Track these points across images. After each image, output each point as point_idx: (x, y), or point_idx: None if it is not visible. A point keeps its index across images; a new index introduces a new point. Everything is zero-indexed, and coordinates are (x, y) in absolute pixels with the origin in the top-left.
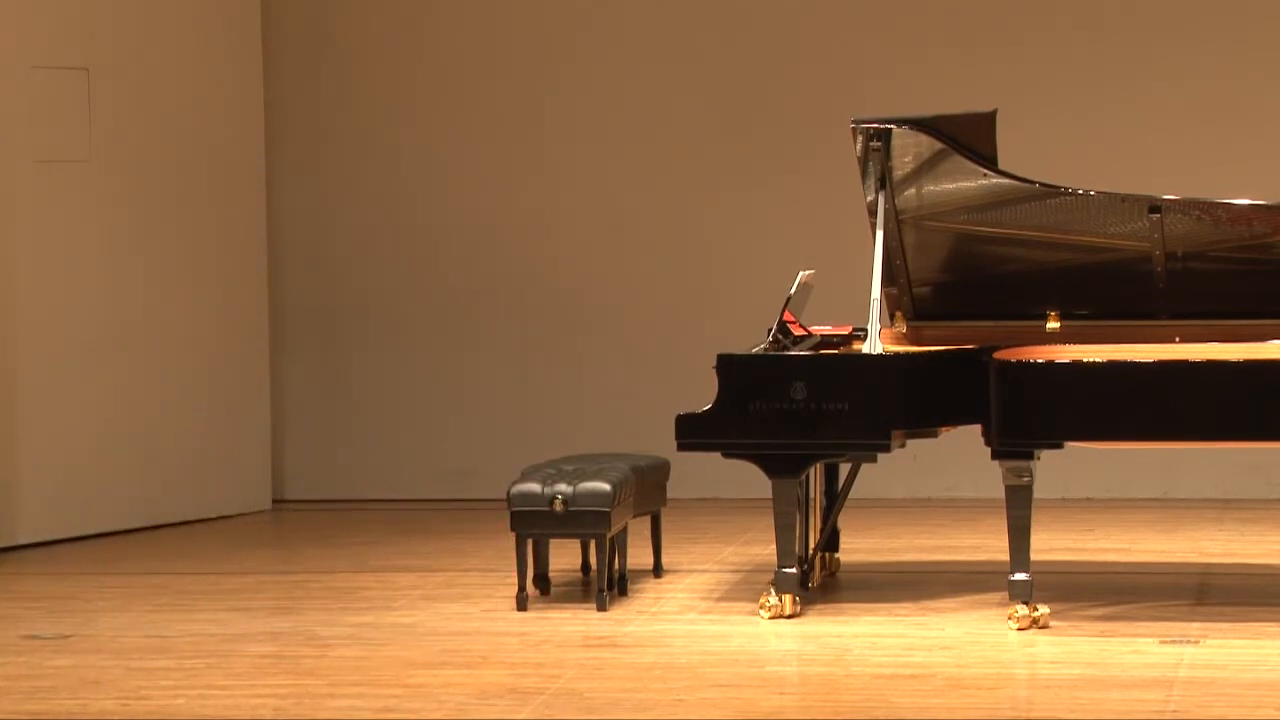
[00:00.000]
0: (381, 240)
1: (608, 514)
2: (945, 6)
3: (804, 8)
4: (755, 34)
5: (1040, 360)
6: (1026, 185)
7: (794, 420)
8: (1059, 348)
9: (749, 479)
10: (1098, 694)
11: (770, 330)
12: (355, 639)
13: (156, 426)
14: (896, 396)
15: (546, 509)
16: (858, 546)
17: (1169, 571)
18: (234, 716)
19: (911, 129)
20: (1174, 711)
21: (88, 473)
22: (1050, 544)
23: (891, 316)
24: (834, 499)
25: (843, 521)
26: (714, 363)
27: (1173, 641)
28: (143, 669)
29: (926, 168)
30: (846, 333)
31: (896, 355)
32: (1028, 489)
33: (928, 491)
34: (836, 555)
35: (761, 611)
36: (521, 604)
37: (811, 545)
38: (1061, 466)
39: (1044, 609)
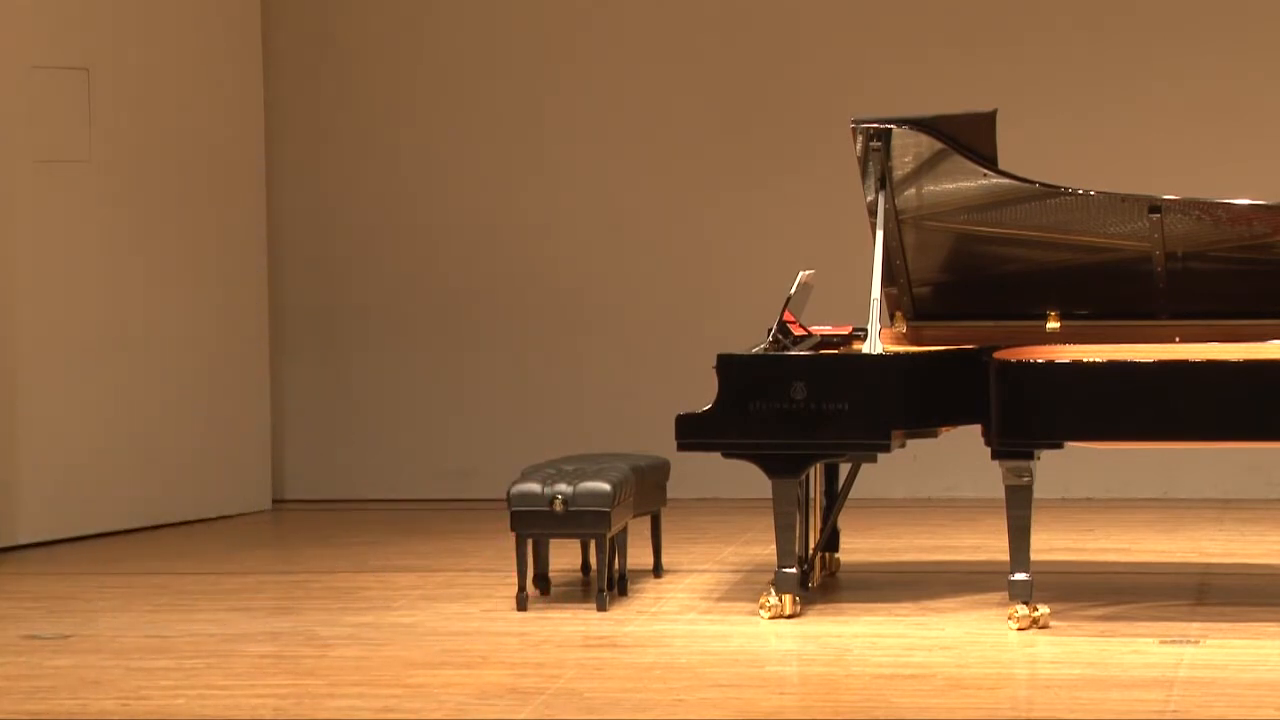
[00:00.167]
0: (381, 240)
1: (608, 514)
2: (945, 6)
3: (804, 8)
4: (755, 34)
5: (1040, 360)
6: (1026, 185)
7: (794, 420)
8: (1059, 348)
9: (749, 479)
10: (1098, 694)
11: (770, 330)
12: (355, 639)
13: (156, 426)
14: (896, 396)
15: (546, 509)
16: (858, 546)
17: (1169, 571)
18: (234, 716)
19: (911, 129)
20: (1174, 711)
21: (88, 473)
22: (1050, 544)
23: (891, 316)
24: (834, 499)
25: (843, 521)
26: (714, 363)
27: (1173, 641)
28: (143, 669)
29: (926, 168)
30: (846, 333)
31: (896, 355)
32: (1028, 489)
33: (928, 491)
34: (836, 555)
35: (761, 611)
36: (521, 604)
37: (811, 545)
38: (1061, 466)
39: (1044, 609)
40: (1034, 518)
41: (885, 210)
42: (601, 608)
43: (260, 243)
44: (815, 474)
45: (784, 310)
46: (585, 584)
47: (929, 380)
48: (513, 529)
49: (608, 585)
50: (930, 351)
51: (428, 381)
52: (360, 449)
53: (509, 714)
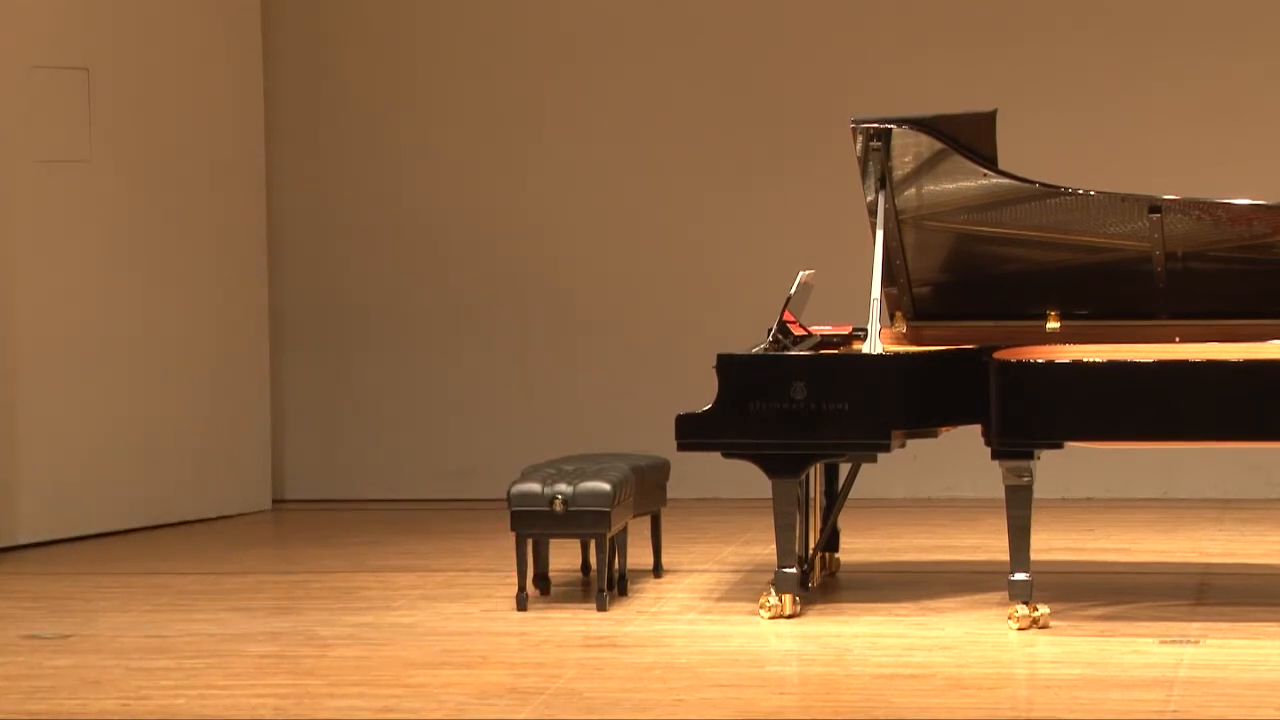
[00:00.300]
0: (381, 240)
1: (608, 514)
2: (945, 6)
3: (804, 8)
4: (755, 34)
5: (1040, 360)
6: (1026, 185)
7: (794, 420)
8: (1059, 348)
9: (749, 479)
10: (1098, 694)
11: (770, 330)
12: (355, 639)
13: (156, 426)
14: (896, 396)
15: (546, 509)
16: (858, 546)
17: (1169, 571)
18: (234, 716)
19: (911, 129)
20: (1174, 711)
21: (88, 473)
22: (1050, 544)
23: (891, 316)
24: (834, 499)
25: (843, 521)
26: (714, 363)
27: (1173, 641)
28: (143, 669)
29: (926, 168)
30: (846, 333)
31: (896, 355)
32: (1028, 489)
33: (928, 491)
34: (836, 555)
35: (761, 611)
36: (521, 604)
37: (811, 545)
38: (1061, 466)
39: (1044, 609)
40: (1034, 518)
41: (885, 210)
42: (601, 608)
43: (260, 243)
44: (815, 474)
45: (784, 310)
46: (585, 584)
47: (929, 380)
48: (513, 529)
49: (608, 585)
50: (930, 351)
51: (428, 381)
52: (360, 449)
53: (509, 714)
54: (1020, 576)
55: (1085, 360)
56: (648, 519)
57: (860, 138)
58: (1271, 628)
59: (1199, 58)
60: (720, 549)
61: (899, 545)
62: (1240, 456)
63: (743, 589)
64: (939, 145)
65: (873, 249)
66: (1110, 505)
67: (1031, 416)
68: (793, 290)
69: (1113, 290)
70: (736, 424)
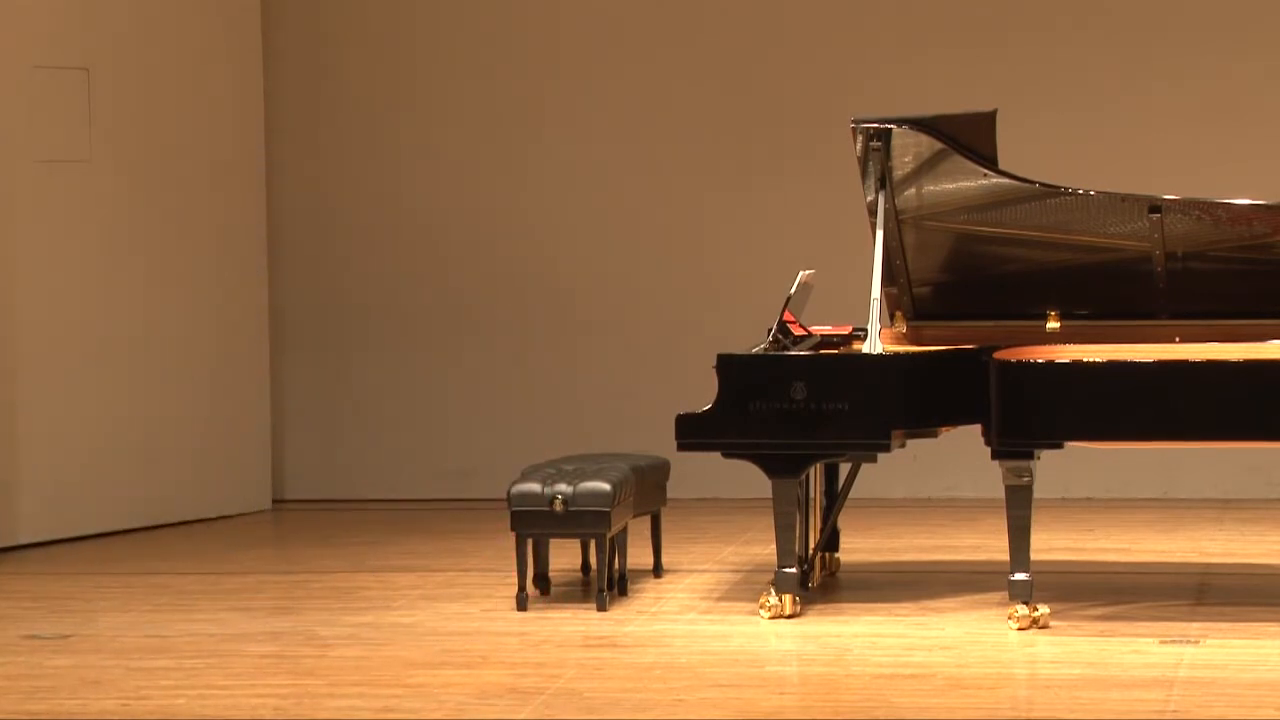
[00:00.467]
0: (381, 240)
1: (608, 514)
2: (945, 6)
3: (804, 8)
4: (755, 34)
5: (1040, 360)
6: (1026, 185)
7: (794, 420)
8: (1059, 348)
9: (749, 479)
10: (1098, 694)
11: (770, 330)
12: (355, 639)
13: (156, 426)
14: (896, 396)
15: (546, 509)
16: (858, 546)
17: (1169, 571)
18: (234, 716)
19: (911, 129)
20: (1174, 711)
21: (88, 473)
22: (1050, 544)
23: (891, 316)
24: (834, 499)
25: (843, 521)
26: (714, 363)
27: (1173, 641)
28: (143, 669)
29: (926, 168)
30: (846, 333)
31: (896, 355)
32: (1028, 489)
33: (928, 491)
34: (836, 555)
35: (761, 611)
36: (521, 604)
37: (811, 545)
38: (1061, 466)
39: (1044, 609)
40: (1034, 518)
41: (885, 210)
42: (601, 608)
43: (260, 243)
44: (815, 474)
45: (784, 310)
46: (585, 584)
47: (929, 380)
48: (513, 529)
49: (608, 585)
50: (930, 351)
51: (428, 381)
52: (360, 449)
53: (509, 714)
54: (1020, 576)
55: (1085, 360)
56: (648, 519)
57: (860, 138)
58: (1271, 628)
59: (1199, 58)
60: (720, 549)
61: (899, 545)
62: (1240, 456)
63: (743, 589)
64: (939, 145)
65: (873, 249)
66: (1110, 505)
67: (1031, 416)
68: (793, 290)
69: (1113, 290)
70: (736, 424)
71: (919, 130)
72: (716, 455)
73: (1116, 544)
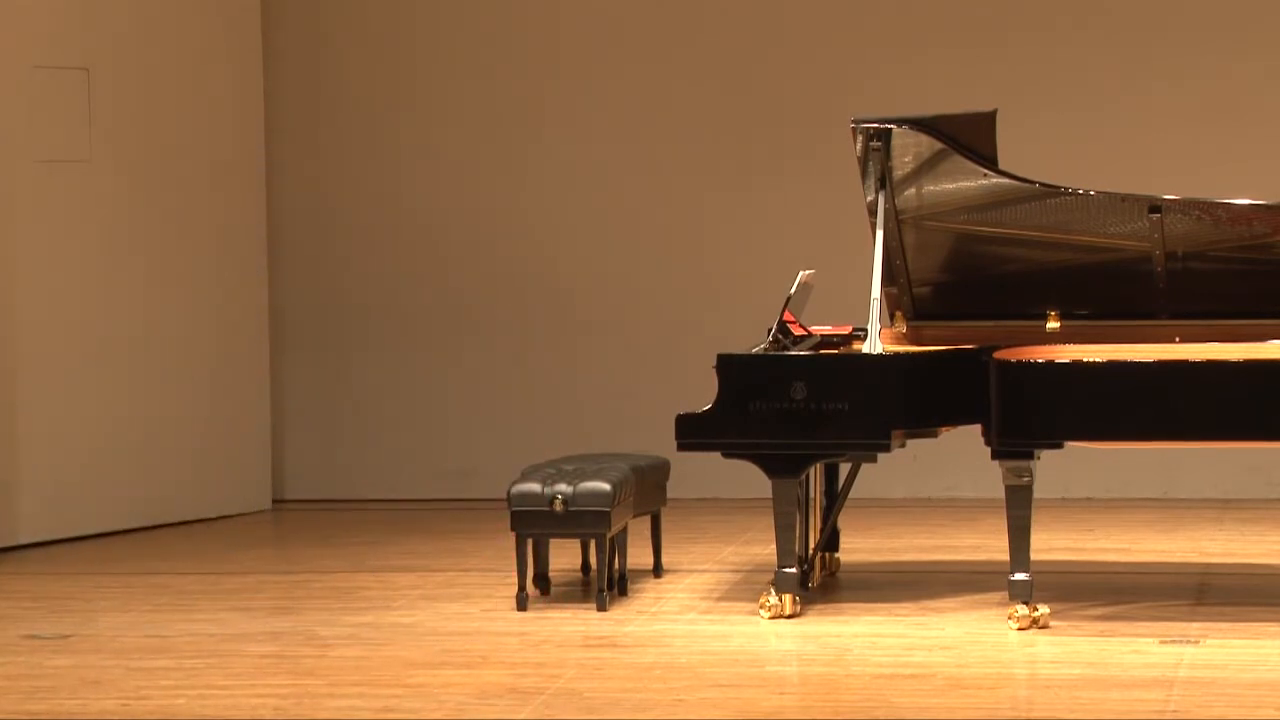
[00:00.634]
0: (381, 240)
1: (608, 514)
2: (945, 6)
3: (804, 8)
4: (755, 34)
5: (1040, 360)
6: (1026, 185)
7: (794, 420)
8: (1059, 348)
9: (749, 479)
10: (1098, 694)
11: (770, 330)
12: (355, 639)
13: (156, 426)
14: (896, 396)
15: (546, 509)
16: (858, 546)
17: (1169, 571)
18: (234, 716)
19: (911, 129)
20: (1174, 711)
21: (88, 473)
22: (1050, 544)
23: (891, 316)
24: (834, 499)
25: (843, 521)
26: (714, 363)
27: (1173, 641)
28: (143, 669)
29: (926, 168)
30: (846, 333)
31: (896, 355)
32: (1028, 489)
33: (928, 491)
34: (836, 555)
35: (761, 611)
36: (521, 604)
37: (811, 545)
38: (1061, 466)
39: (1044, 609)
40: (1034, 518)
41: (885, 210)
42: (601, 608)
43: (260, 243)
44: (815, 474)
45: (784, 310)
46: (585, 584)
47: (929, 380)
48: (513, 529)
49: (608, 585)
50: (930, 351)
51: (428, 381)
52: (360, 449)
53: (509, 714)
54: (1020, 576)
55: (1085, 360)
56: (648, 519)
57: (860, 138)
58: (1271, 628)
59: (1199, 58)
60: (720, 549)
61: (899, 545)
62: (1240, 456)
63: (743, 589)
64: (939, 145)
65: (873, 249)
66: (1110, 505)
67: (1031, 416)
68: (793, 290)
69: (1113, 290)
70: (736, 424)
71: (919, 130)
72: (716, 455)
73: (1116, 544)
